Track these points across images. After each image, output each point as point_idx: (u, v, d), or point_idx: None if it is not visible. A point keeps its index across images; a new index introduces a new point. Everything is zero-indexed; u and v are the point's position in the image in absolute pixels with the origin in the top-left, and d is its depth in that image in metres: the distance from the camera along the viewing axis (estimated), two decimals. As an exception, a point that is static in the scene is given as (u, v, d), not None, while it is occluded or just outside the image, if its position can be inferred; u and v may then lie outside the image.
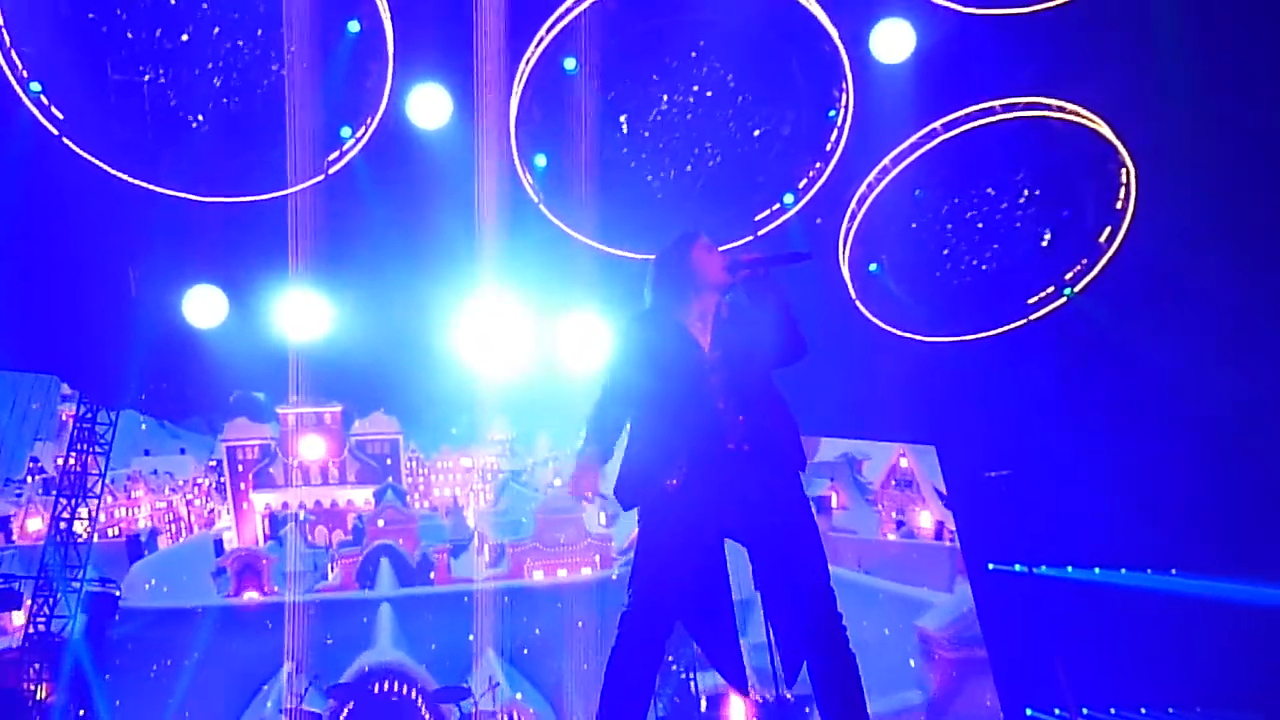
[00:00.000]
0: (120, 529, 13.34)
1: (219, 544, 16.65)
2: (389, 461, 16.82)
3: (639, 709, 3.45)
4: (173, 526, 16.87)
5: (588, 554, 15.12)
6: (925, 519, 14.11)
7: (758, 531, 3.57)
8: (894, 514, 14.53)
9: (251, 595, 14.89)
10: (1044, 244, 10.27)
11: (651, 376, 3.68)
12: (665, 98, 9.22)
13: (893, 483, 14.61)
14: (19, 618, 10.85)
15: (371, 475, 16.69)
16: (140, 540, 12.65)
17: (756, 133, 9.49)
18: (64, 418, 16.71)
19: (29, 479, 16.80)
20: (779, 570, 3.54)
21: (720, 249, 3.98)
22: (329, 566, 16.24)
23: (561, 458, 16.14)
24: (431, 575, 14.97)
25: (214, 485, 16.87)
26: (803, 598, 3.47)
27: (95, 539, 11.40)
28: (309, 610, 13.31)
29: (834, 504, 14.64)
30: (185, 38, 8.33)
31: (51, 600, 10.52)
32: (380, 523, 15.61)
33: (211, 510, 16.98)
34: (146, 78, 8.40)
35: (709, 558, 3.62)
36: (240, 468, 16.34)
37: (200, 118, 8.62)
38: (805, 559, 3.51)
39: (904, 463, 14.60)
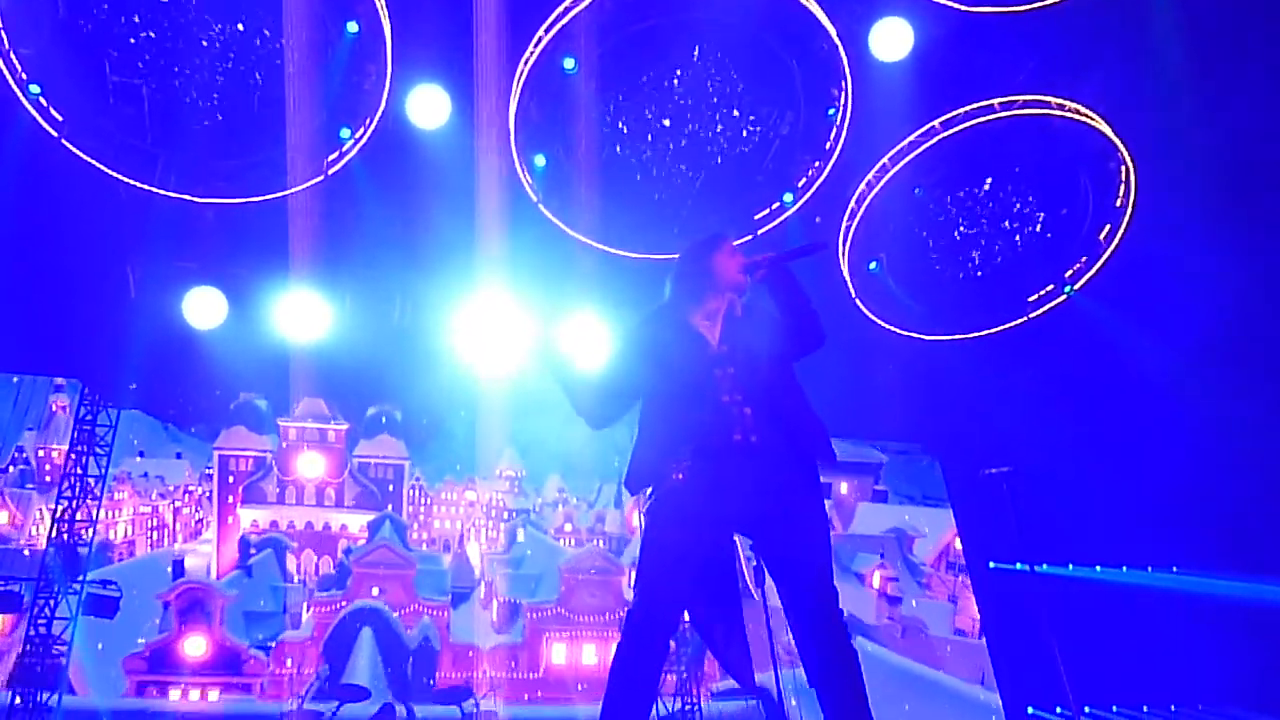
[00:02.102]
0: (95, 532, 12.58)
1: (179, 564, 15.32)
2: (391, 488, 15.95)
3: (644, 707, 3.44)
4: (155, 534, 16.09)
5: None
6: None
7: (762, 524, 3.57)
8: (948, 599, 13.46)
9: (196, 640, 13.64)
10: (1044, 241, 10.27)
11: (657, 372, 3.69)
12: (664, 97, 9.23)
13: (943, 565, 13.61)
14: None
15: (371, 501, 15.71)
16: (80, 555, 10.57)
17: (756, 132, 9.49)
18: (54, 408, 16.32)
19: (10, 469, 16.44)
20: (781, 564, 3.53)
21: (738, 249, 3.98)
22: (303, 608, 14.93)
23: (572, 501, 15.15)
24: (430, 682, 13.49)
25: (207, 494, 16.19)
26: (803, 592, 3.47)
27: (94, 539, 11.28)
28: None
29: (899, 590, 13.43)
30: (184, 40, 8.34)
31: (52, 603, 10.50)
32: (375, 591, 14.33)
33: (200, 520, 16.20)
34: (145, 80, 8.40)
35: (716, 552, 3.61)
36: (231, 479, 15.55)
37: (200, 119, 8.62)
38: (808, 554, 3.50)
39: (959, 544, 13.48)
